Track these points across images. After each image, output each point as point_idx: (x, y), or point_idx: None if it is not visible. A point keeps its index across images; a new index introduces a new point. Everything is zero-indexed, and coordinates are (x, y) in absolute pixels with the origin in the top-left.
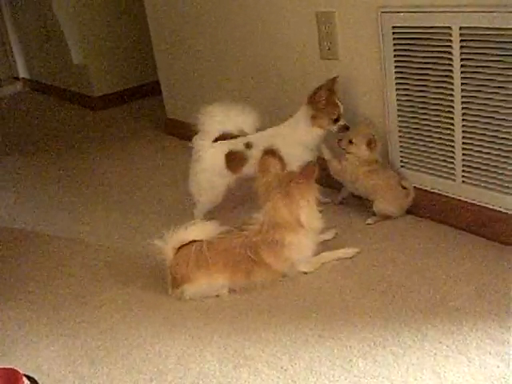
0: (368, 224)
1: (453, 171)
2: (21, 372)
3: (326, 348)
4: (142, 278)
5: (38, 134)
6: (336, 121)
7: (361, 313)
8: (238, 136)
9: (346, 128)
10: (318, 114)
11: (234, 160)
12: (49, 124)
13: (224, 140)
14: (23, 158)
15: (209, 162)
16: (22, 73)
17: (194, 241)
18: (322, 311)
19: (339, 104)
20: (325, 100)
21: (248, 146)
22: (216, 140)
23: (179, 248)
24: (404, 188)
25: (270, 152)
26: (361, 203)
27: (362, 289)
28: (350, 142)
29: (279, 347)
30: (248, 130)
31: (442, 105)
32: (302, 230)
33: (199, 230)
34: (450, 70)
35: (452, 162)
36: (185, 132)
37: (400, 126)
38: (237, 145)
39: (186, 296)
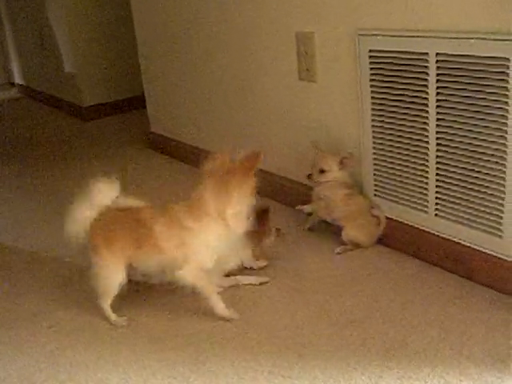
0: (337, 253)
1: (426, 203)
2: None
3: None
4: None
5: (24, 142)
6: None
7: (315, 349)
8: None
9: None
10: None
11: None
12: (36, 132)
13: None
14: (5, 167)
15: None
16: (18, 79)
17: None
18: (274, 345)
19: None
20: None
21: None
22: None
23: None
24: (374, 217)
25: None
26: (331, 230)
27: (319, 323)
28: (322, 171)
29: (225, 382)
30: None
31: (416, 133)
32: (221, 227)
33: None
34: (426, 98)
35: (425, 194)
36: (166, 146)
37: (374, 153)
38: None
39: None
